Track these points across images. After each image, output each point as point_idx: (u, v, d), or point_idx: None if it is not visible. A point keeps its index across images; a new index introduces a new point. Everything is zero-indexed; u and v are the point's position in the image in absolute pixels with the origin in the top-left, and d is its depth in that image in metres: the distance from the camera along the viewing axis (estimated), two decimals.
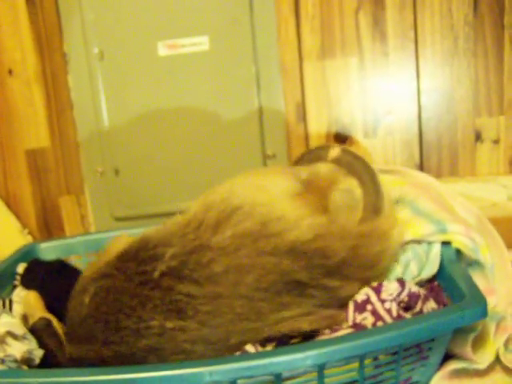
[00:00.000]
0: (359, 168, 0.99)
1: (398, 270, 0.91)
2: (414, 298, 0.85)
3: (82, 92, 1.47)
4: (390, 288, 0.85)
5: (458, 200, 1.15)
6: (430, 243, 0.96)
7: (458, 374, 0.83)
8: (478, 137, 1.50)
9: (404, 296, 0.84)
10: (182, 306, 0.70)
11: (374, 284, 0.87)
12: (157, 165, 1.51)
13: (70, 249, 1.27)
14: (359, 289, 0.82)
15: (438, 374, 0.81)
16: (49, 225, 1.57)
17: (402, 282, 0.87)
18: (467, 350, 0.80)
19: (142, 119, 1.48)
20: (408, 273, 0.93)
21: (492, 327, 0.83)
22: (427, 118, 1.48)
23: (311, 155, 1.04)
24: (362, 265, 0.81)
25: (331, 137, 1.50)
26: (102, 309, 0.74)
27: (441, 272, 0.92)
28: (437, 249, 0.95)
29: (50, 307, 1.07)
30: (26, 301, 1.03)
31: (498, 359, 0.84)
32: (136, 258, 0.76)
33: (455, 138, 1.50)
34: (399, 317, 0.82)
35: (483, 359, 0.82)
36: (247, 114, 1.48)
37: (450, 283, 0.89)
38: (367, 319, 0.82)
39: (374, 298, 0.85)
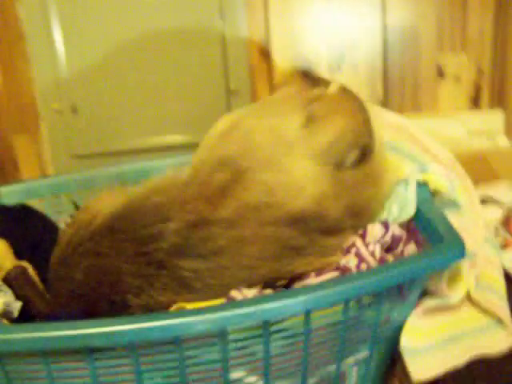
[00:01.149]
0: (355, 107, 0.98)
1: (381, 213, 0.93)
2: (396, 240, 0.87)
3: (35, 22, 1.37)
4: (374, 230, 0.87)
5: (430, 141, 1.17)
6: (406, 183, 0.97)
7: (431, 310, 0.87)
8: (441, 73, 1.51)
9: (387, 238, 0.86)
10: (190, 280, 0.70)
11: (361, 231, 0.89)
12: (117, 100, 1.45)
13: (33, 192, 1.22)
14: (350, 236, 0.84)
15: (414, 312, 0.84)
16: (3, 165, 1.50)
17: (386, 225, 0.89)
18: (443, 286, 0.84)
19: (101, 52, 1.41)
20: (390, 214, 0.95)
21: (465, 265, 0.86)
22: (391, 53, 1.48)
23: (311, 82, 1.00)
24: (354, 214, 0.82)
25: (295, 71, 1.48)
26: (104, 289, 0.72)
27: (417, 213, 0.95)
28: (413, 188, 0.97)
29: (16, 255, 1.04)
30: None
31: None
32: (134, 238, 0.73)
33: (418, 74, 1.50)
34: (382, 259, 0.84)
35: (456, 295, 0.86)
36: (211, 47, 1.43)
37: (427, 224, 0.91)
38: (351, 261, 0.85)
39: (359, 242, 0.87)
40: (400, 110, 1.51)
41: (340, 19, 1.44)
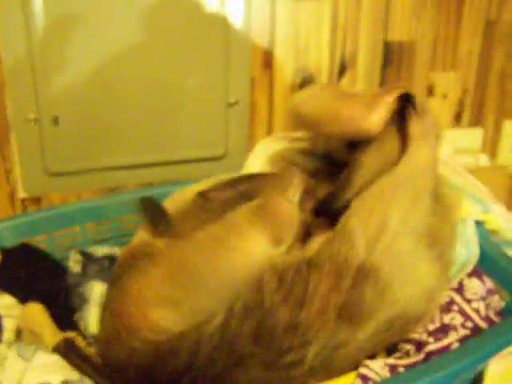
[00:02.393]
0: None
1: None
2: (490, 293, 0.86)
3: (10, 17, 1.14)
4: (473, 286, 0.85)
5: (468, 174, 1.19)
6: (464, 222, 0.97)
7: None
8: (431, 91, 1.53)
9: (484, 293, 0.85)
10: None
11: (454, 285, 0.86)
12: (104, 112, 1.27)
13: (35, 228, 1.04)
14: None
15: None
16: None
17: (480, 276, 0.87)
18: None
19: (88, 60, 1.22)
20: (457, 254, 0.93)
21: None
22: (389, 69, 1.46)
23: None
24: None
25: (296, 85, 1.40)
26: None
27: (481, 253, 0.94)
28: (472, 227, 0.97)
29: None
30: (27, 315, 0.83)
31: None
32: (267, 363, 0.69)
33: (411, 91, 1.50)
34: (487, 316, 0.83)
35: None
36: (212, 57, 1.30)
37: (497, 267, 0.91)
38: (455, 319, 0.82)
39: (458, 298, 0.84)
40: None
41: (343, 33, 1.39)
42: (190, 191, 0.90)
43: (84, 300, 0.96)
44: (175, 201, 0.89)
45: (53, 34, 1.18)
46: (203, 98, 1.34)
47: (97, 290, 0.96)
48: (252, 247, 0.75)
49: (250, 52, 1.34)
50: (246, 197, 0.87)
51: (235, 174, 0.94)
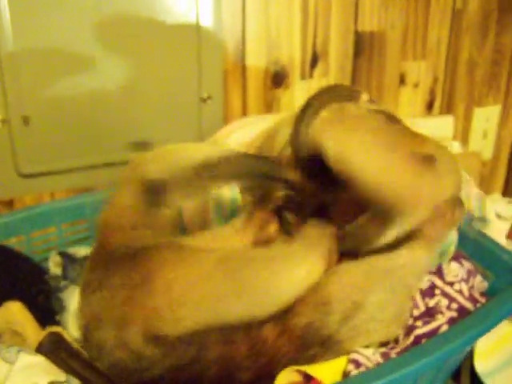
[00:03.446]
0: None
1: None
2: (471, 274, 0.87)
3: None
4: (452, 269, 0.86)
5: None
6: None
7: None
8: (402, 80, 1.54)
9: (465, 274, 0.86)
10: None
11: (432, 269, 0.87)
12: (76, 111, 1.25)
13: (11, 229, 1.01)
14: None
15: None
16: None
17: (459, 260, 0.88)
18: None
19: (60, 56, 1.19)
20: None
21: None
22: (361, 59, 1.47)
23: (341, 91, 0.92)
24: None
25: (269, 78, 1.40)
26: None
27: (464, 240, 0.96)
28: None
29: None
30: (7, 314, 0.81)
31: None
32: None
33: (383, 81, 1.52)
34: (471, 296, 0.84)
35: None
36: (184, 52, 1.29)
37: (479, 250, 0.93)
38: (441, 302, 0.83)
39: (439, 282, 0.85)
40: None
41: (314, 25, 1.39)
42: (191, 158, 0.83)
43: (63, 308, 0.94)
44: (171, 166, 0.84)
45: (20, 29, 1.14)
46: (176, 93, 1.32)
47: (77, 297, 0.94)
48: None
49: (221, 46, 1.33)
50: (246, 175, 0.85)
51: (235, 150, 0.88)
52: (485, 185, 1.75)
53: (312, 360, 0.71)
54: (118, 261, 0.77)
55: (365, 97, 0.90)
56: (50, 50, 1.19)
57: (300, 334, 0.70)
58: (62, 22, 1.18)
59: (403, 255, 0.77)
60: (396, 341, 0.76)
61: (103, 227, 0.83)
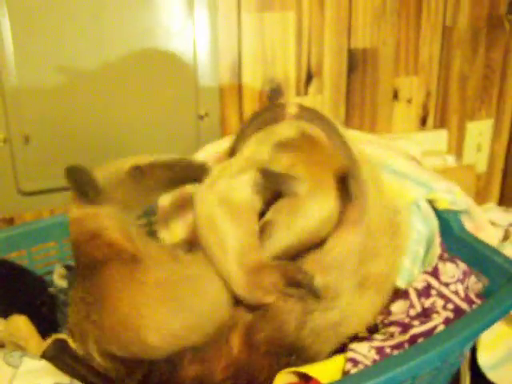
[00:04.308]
0: (324, 124, 0.97)
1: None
2: (465, 275, 0.88)
3: None
4: (448, 270, 0.87)
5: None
6: (417, 206, 1.01)
7: None
8: (396, 96, 1.57)
9: (461, 275, 0.87)
10: None
11: (429, 269, 0.88)
12: (76, 129, 1.27)
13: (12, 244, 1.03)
14: None
15: None
16: None
17: (453, 260, 0.89)
18: None
19: (60, 75, 1.22)
20: (419, 234, 0.97)
21: None
22: (354, 76, 1.50)
23: (264, 116, 0.97)
24: None
25: (264, 95, 1.43)
26: None
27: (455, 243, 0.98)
28: (425, 205, 1.01)
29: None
30: (12, 328, 0.82)
31: None
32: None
33: (376, 97, 1.55)
34: (467, 297, 0.85)
35: None
36: (181, 71, 1.32)
37: (473, 254, 0.94)
38: (436, 302, 0.84)
39: (434, 282, 0.86)
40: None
41: (308, 43, 1.42)
42: (125, 163, 0.90)
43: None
44: (108, 170, 0.90)
45: (21, 51, 1.18)
46: (174, 111, 1.35)
47: None
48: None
49: (218, 65, 1.36)
50: (181, 181, 0.90)
51: (175, 156, 0.94)
52: (480, 198, 1.77)
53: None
54: (81, 273, 0.83)
55: (292, 110, 0.95)
56: (51, 69, 1.22)
57: (266, 349, 0.74)
58: (63, 41, 1.21)
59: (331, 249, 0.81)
60: (391, 335, 0.77)
61: (74, 239, 0.88)
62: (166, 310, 0.74)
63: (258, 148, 0.87)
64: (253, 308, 0.76)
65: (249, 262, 0.76)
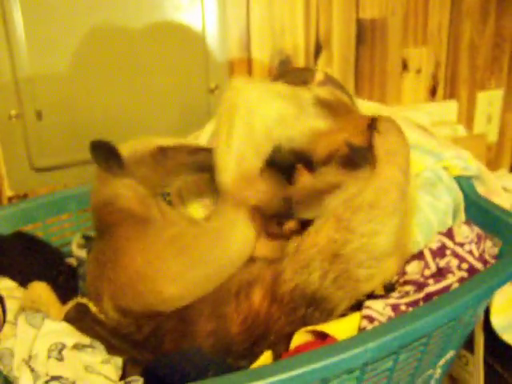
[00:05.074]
0: (346, 94, 1.01)
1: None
2: (480, 238, 0.89)
3: None
4: (462, 231, 0.88)
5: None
6: (436, 174, 1.01)
7: None
8: (405, 66, 1.57)
9: (475, 237, 0.88)
10: None
11: (444, 231, 0.89)
12: (89, 104, 1.28)
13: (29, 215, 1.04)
14: None
15: None
16: None
17: (469, 223, 0.90)
18: None
19: (71, 50, 1.22)
20: (446, 205, 0.97)
21: None
22: (363, 47, 1.49)
23: (295, 75, 1.01)
24: None
25: (274, 67, 1.42)
26: None
27: (471, 207, 0.98)
28: (445, 175, 1.01)
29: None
30: (32, 294, 0.83)
31: None
32: None
33: (386, 68, 1.54)
34: (481, 256, 0.85)
35: None
36: (191, 44, 1.32)
37: (486, 217, 0.95)
38: (451, 262, 0.85)
39: (449, 243, 0.87)
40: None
41: (317, 14, 1.42)
42: (151, 143, 0.93)
43: None
44: (133, 148, 0.92)
45: (33, 27, 1.18)
46: (185, 85, 1.36)
47: None
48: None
49: (227, 37, 1.36)
50: (201, 168, 0.92)
51: (200, 143, 0.98)
52: (491, 167, 1.76)
53: (303, 322, 0.74)
54: (96, 237, 0.87)
55: (319, 76, 0.98)
56: (63, 46, 1.23)
57: (289, 299, 0.74)
58: (74, 22, 1.22)
59: (370, 186, 0.80)
60: (407, 293, 0.78)
61: (92, 207, 0.92)
62: (182, 263, 0.76)
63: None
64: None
65: (247, 167, 0.80)
